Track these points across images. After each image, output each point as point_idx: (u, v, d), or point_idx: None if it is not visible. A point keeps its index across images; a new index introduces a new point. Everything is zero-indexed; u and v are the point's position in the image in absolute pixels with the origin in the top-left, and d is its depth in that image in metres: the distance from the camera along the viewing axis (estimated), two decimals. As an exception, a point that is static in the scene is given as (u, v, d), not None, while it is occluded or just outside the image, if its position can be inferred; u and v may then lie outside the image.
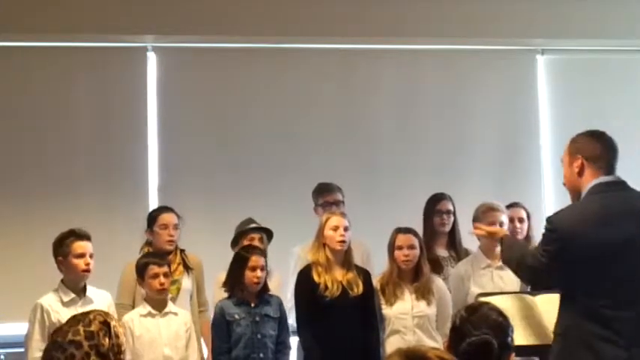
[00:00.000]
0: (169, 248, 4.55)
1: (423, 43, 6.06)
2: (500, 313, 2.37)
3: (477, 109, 6.12)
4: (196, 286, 4.65)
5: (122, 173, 5.70)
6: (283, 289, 4.77)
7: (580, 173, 3.17)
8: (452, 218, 4.97)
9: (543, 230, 3.17)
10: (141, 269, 4.24)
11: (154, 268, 4.21)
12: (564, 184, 3.29)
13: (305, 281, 4.39)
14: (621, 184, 3.14)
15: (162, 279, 4.20)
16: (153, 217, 4.63)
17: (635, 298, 2.99)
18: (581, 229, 3.02)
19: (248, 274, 4.26)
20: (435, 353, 1.88)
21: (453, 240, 4.98)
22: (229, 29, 5.76)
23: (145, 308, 4.23)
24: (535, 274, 3.19)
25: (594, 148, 3.16)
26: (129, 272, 4.45)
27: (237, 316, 4.24)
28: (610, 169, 3.15)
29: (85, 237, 4.14)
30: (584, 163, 3.16)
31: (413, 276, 4.48)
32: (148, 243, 4.61)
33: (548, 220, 3.15)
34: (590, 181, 3.13)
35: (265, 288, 4.34)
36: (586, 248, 2.99)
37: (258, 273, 4.27)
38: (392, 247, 4.48)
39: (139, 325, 4.18)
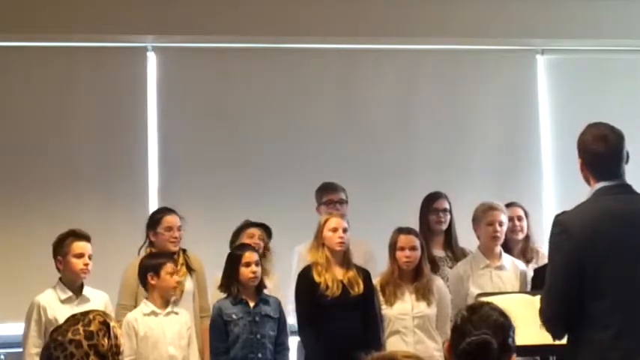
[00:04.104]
0: (174, 250, 4.54)
1: (423, 43, 6.06)
2: (502, 314, 2.37)
3: (477, 109, 6.12)
4: (198, 289, 4.63)
5: (122, 173, 5.69)
6: (285, 289, 4.76)
7: (584, 174, 3.13)
8: (448, 217, 4.97)
9: (550, 236, 3.04)
10: (156, 267, 4.21)
11: (171, 265, 4.22)
12: None
13: (305, 281, 4.39)
14: (626, 188, 3.07)
15: (177, 277, 4.23)
16: (156, 220, 4.61)
17: None
18: (592, 229, 2.94)
19: (243, 270, 4.26)
20: (403, 354, 1.91)
21: (449, 240, 4.98)
22: (229, 29, 5.75)
23: (147, 307, 4.22)
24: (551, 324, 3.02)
25: (593, 152, 3.07)
26: (131, 273, 4.44)
27: (234, 316, 4.23)
28: (611, 173, 3.05)
29: (84, 237, 4.19)
30: (585, 167, 3.10)
31: (413, 276, 4.48)
32: (150, 244, 4.59)
33: (556, 221, 3.03)
34: (594, 183, 3.07)
35: (262, 285, 4.34)
36: (598, 249, 2.92)
37: (253, 267, 4.26)
38: (393, 248, 4.48)
39: (142, 324, 4.17)
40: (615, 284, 2.91)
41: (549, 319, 3.01)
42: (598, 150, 3.06)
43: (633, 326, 2.90)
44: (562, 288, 2.96)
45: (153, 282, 4.22)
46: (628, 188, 3.08)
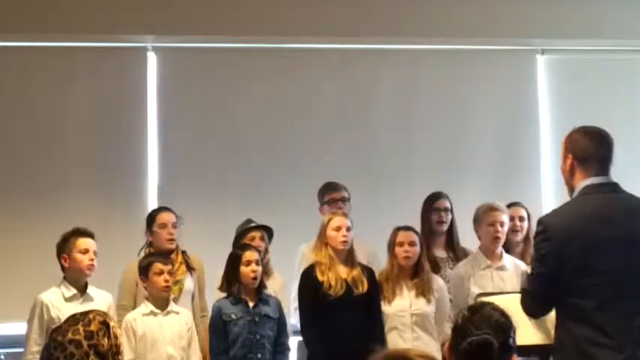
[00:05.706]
0: (170, 247, 4.55)
1: (423, 43, 6.06)
2: (503, 314, 2.37)
3: (477, 109, 6.12)
4: (198, 288, 4.64)
5: (122, 173, 5.69)
6: (287, 288, 4.76)
7: (571, 172, 3.16)
8: (449, 216, 4.97)
9: (534, 235, 3.17)
10: (145, 268, 4.23)
11: (158, 265, 4.20)
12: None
13: (308, 280, 4.39)
14: (612, 186, 3.12)
15: (166, 276, 4.20)
16: (152, 218, 4.64)
17: (626, 298, 2.98)
18: (573, 229, 3.01)
19: (243, 269, 4.25)
20: (415, 352, 1.90)
21: (450, 240, 4.98)
22: (229, 29, 5.75)
23: (147, 307, 4.22)
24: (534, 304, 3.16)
25: (586, 149, 3.12)
26: (129, 274, 4.46)
27: (233, 316, 4.22)
28: (601, 170, 3.11)
29: (88, 234, 4.22)
30: (574, 164, 3.14)
31: (412, 273, 4.48)
32: (149, 245, 4.60)
33: (539, 221, 3.13)
34: (581, 181, 3.12)
35: (263, 285, 4.33)
36: (578, 248, 2.98)
37: (254, 267, 4.25)
38: (392, 245, 4.48)
39: (141, 324, 4.17)
40: (587, 284, 2.97)
41: (532, 315, 3.18)
42: (592, 144, 3.12)
43: (607, 326, 2.94)
44: (539, 289, 3.10)
45: (144, 284, 4.24)
46: (615, 186, 3.13)
